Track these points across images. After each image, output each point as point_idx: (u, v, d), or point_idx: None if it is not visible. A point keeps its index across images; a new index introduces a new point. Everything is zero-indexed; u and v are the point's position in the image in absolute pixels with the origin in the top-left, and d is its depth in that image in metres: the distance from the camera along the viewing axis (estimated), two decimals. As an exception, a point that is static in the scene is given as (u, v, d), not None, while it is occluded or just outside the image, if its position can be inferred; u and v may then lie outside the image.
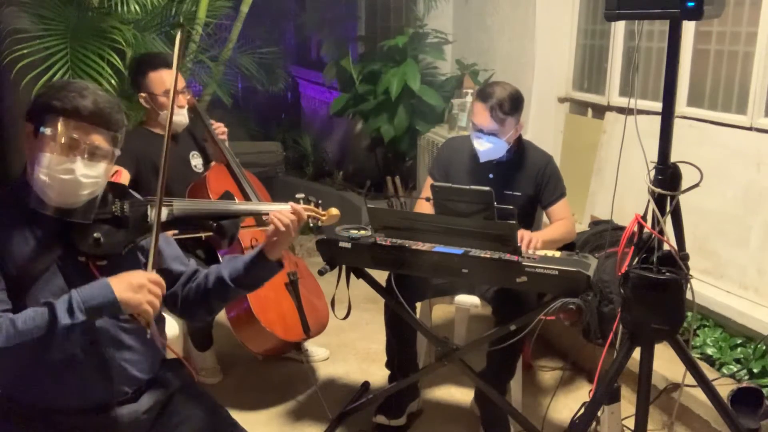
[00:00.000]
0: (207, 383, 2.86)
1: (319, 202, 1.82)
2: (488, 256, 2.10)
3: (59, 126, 1.46)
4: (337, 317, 2.39)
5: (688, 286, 1.86)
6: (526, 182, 2.60)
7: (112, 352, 1.55)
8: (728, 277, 2.92)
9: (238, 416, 1.73)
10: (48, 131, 1.45)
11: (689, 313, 2.02)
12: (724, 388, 2.27)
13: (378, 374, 2.93)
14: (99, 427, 1.55)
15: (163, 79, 2.62)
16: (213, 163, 2.88)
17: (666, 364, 2.42)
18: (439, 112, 4.78)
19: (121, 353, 1.56)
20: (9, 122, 3.62)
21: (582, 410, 2.04)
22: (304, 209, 1.72)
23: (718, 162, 2.90)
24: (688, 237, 1.90)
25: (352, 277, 2.33)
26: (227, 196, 2.52)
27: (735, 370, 2.53)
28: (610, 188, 2.32)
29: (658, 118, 1.83)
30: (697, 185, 1.83)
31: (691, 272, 1.87)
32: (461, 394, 2.82)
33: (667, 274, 1.82)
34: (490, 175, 2.60)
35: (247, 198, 2.80)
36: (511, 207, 2.12)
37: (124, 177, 2.56)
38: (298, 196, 1.80)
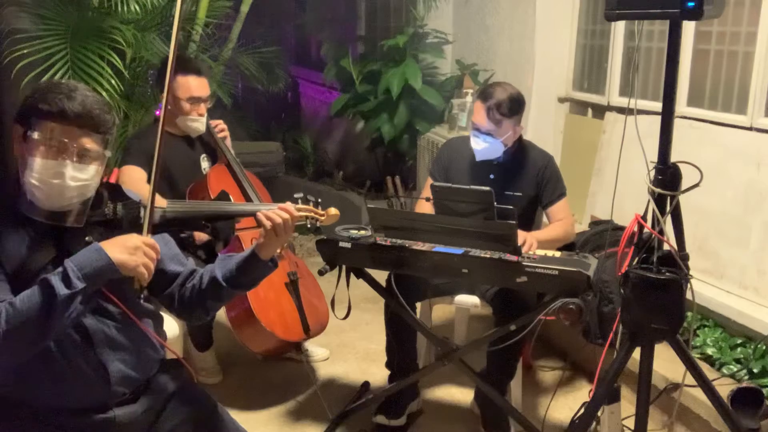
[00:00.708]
0: (207, 383, 2.86)
1: (319, 201, 1.81)
2: (488, 256, 2.10)
3: (47, 129, 1.44)
4: (337, 317, 2.39)
5: (688, 286, 1.86)
6: (526, 182, 2.60)
7: (108, 352, 1.54)
8: (728, 277, 2.91)
9: (238, 416, 1.73)
10: (36, 135, 1.43)
11: (689, 313, 2.02)
12: (724, 388, 2.27)
13: (378, 374, 2.93)
14: (97, 427, 1.55)
15: (190, 86, 2.65)
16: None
17: (666, 364, 2.42)
18: (439, 112, 4.78)
19: (116, 353, 1.55)
20: (9, 122, 3.62)
21: (582, 410, 2.03)
22: (301, 209, 1.70)
23: (718, 162, 2.90)
24: (688, 237, 1.90)
25: (352, 277, 2.33)
26: (223, 196, 2.52)
27: (735, 370, 2.53)
28: (610, 188, 2.32)
29: (658, 118, 1.83)
30: (697, 185, 1.83)
31: (691, 272, 1.86)
32: (461, 394, 2.82)
33: (667, 274, 1.82)
34: (491, 176, 2.60)
35: (247, 198, 2.81)
36: (511, 207, 2.12)
37: (139, 175, 2.56)
38: (296, 195, 1.78)
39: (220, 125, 2.88)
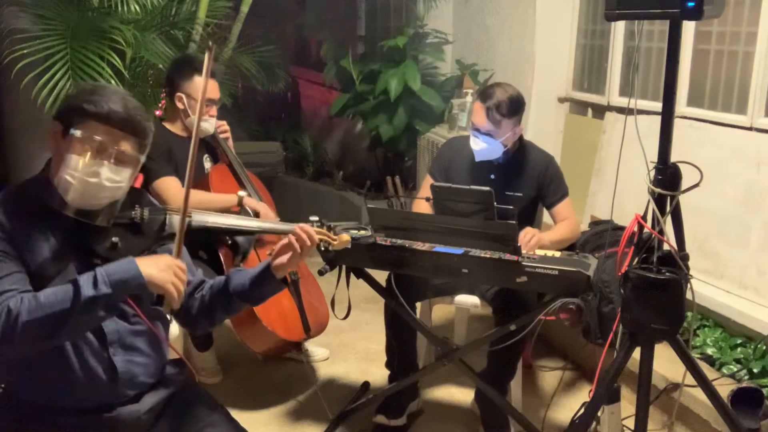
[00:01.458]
0: (207, 383, 2.86)
1: (332, 225, 1.83)
2: (488, 256, 2.10)
3: (90, 129, 1.47)
4: (337, 317, 2.39)
5: (688, 286, 1.86)
6: (527, 183, 2.60)
7: (120, 353, 1.55)
8: (728, 277, 2.92)
9: (238, 416, 1.73)
10: (78, 133, 1.47)
11: (689, 313, 2.02)
12: (724, 388, 2.27)
13: (378, 374, 2.93)
14: (99, 426, 1.55)
15: (207, 87, 2.65)
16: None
17: (666, 364, 2.42)
18: (439, 112, 4.78)
19: (132, 356, 1.57)
20: (9, 122, 3.61)
21: (582, 410, 2.04)
22: (319, 232, 1.72)
23: (718, 162, 2.90)
24: (688, 237, 1.90)
25: (352, 277, 2.34)
26: (245, 211, 2.55)
27: (735, 370, 2.53)
28: (610, 188, 2.32)
29: (658, 118, 1.83)
30: (697, 185, 1.83)
31: (691, 272, 1.86)
32: (461, 394, 2.82)
33: (667, 274, 1.82)
34: (492, 176, 2.60)
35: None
36: (511, 207, 2.12)
37: (176, 184, 2.57)
38: (312, 219, 1.81)
39: (222, 126, 2.89)
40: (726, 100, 3.07)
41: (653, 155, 1.84)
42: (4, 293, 1.39)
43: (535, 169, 2.61)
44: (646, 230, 1.87)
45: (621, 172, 2.12)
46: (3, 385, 1.56)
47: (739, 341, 2.65)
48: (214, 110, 2.74)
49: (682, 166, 1.85)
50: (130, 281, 1.42)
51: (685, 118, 3.15)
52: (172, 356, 1.74)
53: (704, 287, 2.91)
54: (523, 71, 4.19)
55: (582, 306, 2.01)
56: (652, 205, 1.84)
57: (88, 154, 1.47)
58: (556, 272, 2.03)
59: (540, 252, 2.23)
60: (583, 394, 2.75)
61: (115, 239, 1.52)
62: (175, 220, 1.60)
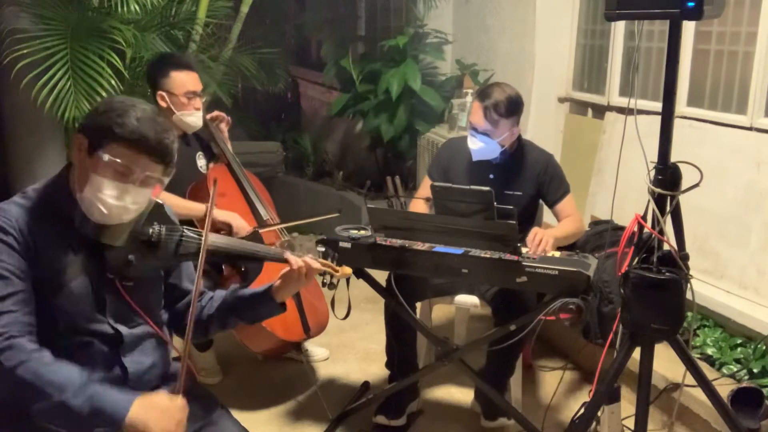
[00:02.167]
0: (207, 383, 2.85)
1: (336, 255, 1.85)
2: (488, 256, 2.10)
3: (119, 154, 1.43)
4: (337, 317, 2.38)
5: (688, 286, 1.86)
6: (526, 182, 2.60)
7: (132, 357, 1.56)
8: (728, 277, 2.92)
9: (238, 416, 1.73)
10: (107, 158, 1.43)
11: (689, 313, 2.02)
12: (724, 388, 2.27)
13: (378, 374, 2.93)
14: (102, 425, 1.55)
15: (185, 80, 2.65)
16: (211, 164, 2.88)
17: (666, 364, 2.42)
18: (439, 112, 4.78)
19: (141, 358, 1.58)
20: (9, 122, 3.61)
21: (582, 410, 2.04)
22: (323, 263, 1.73)
23: (718, 162, 2.90)
24: (688, 237, 1.90)
25: (352, 277, 2.33)
26: (255, 236, 2.54)
27: (735, 370, 2.53)
28: (610, 188, 2.32)
29: (658, 118, 1.83)
30: (697, 185, 1.83)
31: (691, 272, 1.87)
32: (461, 394, 2.82)
33: (667, 274, 1.82)
34: (491, 176, 2.60)
35: (248, 198, 2.80)
36: (511, 207, 2.12)
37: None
38: (319, 249, 1.82)
39: (220, 116, 2.88)
40: (726, 100, 3.07)
41: (653, 155, 1.84)
42: (4, 314, 1.38)
43: (534, 168, 2.61)
44: (646, 230, 1.87)
45: (621, 172, 2.12)
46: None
47: (739, 341, 2.65)
48: (198, 102, 2.69)
49: (682, 166, 1.85)
50: (108, 417, 1.38)
51: (685, 118, 3.15)
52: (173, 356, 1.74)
53: (704, 287, 2.91)
54: (523, 71, 4.19)
55: (582, 306, 2.01)
56: (652, 205, 1.84)
57: (115, 177, 1.44)
58: (556, 272, 2.03)
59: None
60: (583, 394, 2.75)
61: (131, 257, 1.50)
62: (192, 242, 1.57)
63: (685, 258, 1.86)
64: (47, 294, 1.45)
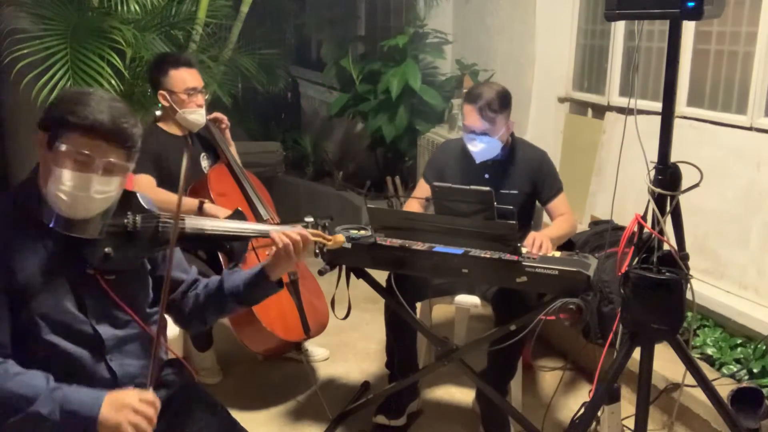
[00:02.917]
0: (207, 383, 2.85)
1: (326, 224, 1.81)
2: (488, 256, 2.10)
3: (74, 142, 1.41)
4: (337, 317, 2.39)
5: (688, 286, 1.86)
6: (521, 179, 2.61)
7: (119, 358, 1.55)
8: (728, 277, 2.92)
9: (238, 416, 1.73)
10: (63, 147, 1.41)
11: (689, 313, 2.02)
12: (724, 388, 2.27)
13: (378, 374, 2.93)
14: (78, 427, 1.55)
15: (184, 78, 2.67)
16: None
17: (666, 364, 2.42)
18: (439, 112, 4.78)
19: (126, 359, 1.57)
20: (9, 122, 3.62)
21: (582, 410, 2.04)
22: (312, 233, 1.70)
23: (718, 162, 2.90)
24: (688, 237, 1.90)
25: (352, 277, 2.34)
26: (238, 214, 2.52)
27: (735, 370, 2.53)
28: (610, 188, 2.32)
29: (658, 118, 1.83)
30: (697, 185, 1.83)
31: (691, 272, 1.87)
32: (461, 394, 2.82)
33: (667, 274, 1.82)
34: (486, 175, 2.60)
35: (248, 198, 2.81)
36: (511, 207, 2.12)
37: (148, 182, 2.57)
38: (307, 219, 1.79)
39: (219, 116, 2.89)
40: (726, 100, 3.07)
41: (653, 155, 1.84)
42: None
43: (529, 166, 2.62)
44: (646, 230, 1.87)
45: (621, 172, 2.12)
46: None
47: (739, 341, 2.65)
48: (200, 99, 2.70)
49: (682, 166, 1.85)
50: (81, 418, 1.37)
51: (685, 118, 3.15)
52: (171, 357, 1.74)
53: (704, 287, 2.91)
54: (523, 71, 4.19)
55: (582, 306, 2.01)
56: (652, 205, 1.84)
57: (76, 167, 1.41)
58: (556, 272, 2.03)
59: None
60: (583, 394, 2.75)
61: (108, 249, 1.47)
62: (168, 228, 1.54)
63: (685, 258, 1.86)
64: (27, 299, 1.42)
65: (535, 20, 4.05)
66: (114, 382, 1.53)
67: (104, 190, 1.45)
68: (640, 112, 2.04)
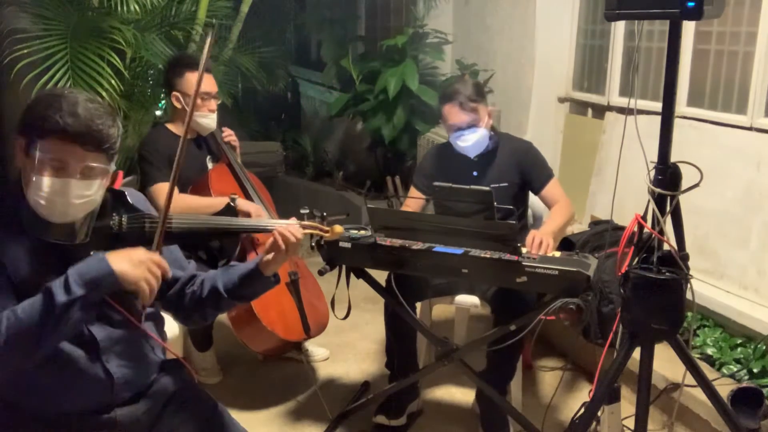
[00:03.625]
0: (207, 383, 2.86)
1: (324, 215, 1.80)
2: (488, 256, 2.10)
3: (49, 148, 1.38)
4: (337, 317, 2.39)
5: (688, 286, 1.86)
6: (509, 171, 2.63)
7: (113, 358, 1.54)
8: (728, 277, 2.91)
9: (238, 416, 1.73)
10: (38, 153, 1.38)
11: (689, 313, 2.02)
12: (724, 388, 2.27)
13: (378, 374, 2.93)
14: (99, 428, 1.55)
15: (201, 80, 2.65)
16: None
17: (666, 364, 2.42)
18: (439, 112, 4.76)
19: (121, 359, 1.56)
20: (9, 122, 3.61)
21: (582, 410, 2.03)
22: (307, 226, 1.68)
23: (718, 162, 2.90)
24: (688, 237, 1.90)
25: (352, 277, 2.33)
26: (229, 211, 2.50)
27: (735, 370, 2.53)
28: (610, 188, 2.32)
29: (658, 118, 1.83)
30: (697, 185, 1.83)
31: (691, 272, 1.86)
32: (461, 394, 2.82)
33: (667, 274, 1.82)
34: (474, 173, 2.63)
35: (249, 197, 2.80)
36: (511, 207, 2.12)
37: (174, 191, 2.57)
38: (302, 211, 1.77)
39: (231, 135, 2.88)
40: (726, 100, 3.07)
41: (653, 155, 1.84)
42: None
43: (514, 156, 2.65)
44: (646, 230, 1.87)
45: (621, 172, 2.12)
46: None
47: (739, 341, 2.65)
48: (213, 104, 2.70)
49: (682, 166, 1.85)
50: (103, 280, 1.36)
51: (685, 118, 3.15)
52: (171, 357, 1.74)
53: (704, 287, 2.91)
54: (523, 71, 4.19)
55: (582, 306, 2.01)
56: (652, 205, 1.84)
57: (52, 173, 1.38)
58: (556, 272, 2.03)
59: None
60: (583, 394, 2.75)
61: (93, 253, 1.44)
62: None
63: (685, 258, 1.86)
64: (20, 301, 1.40)
65: (535, 20, 4.05)
66: (110, 384, 1.53)
67: (84, 194, 1.42)
68: (640, 112, 2.04)
